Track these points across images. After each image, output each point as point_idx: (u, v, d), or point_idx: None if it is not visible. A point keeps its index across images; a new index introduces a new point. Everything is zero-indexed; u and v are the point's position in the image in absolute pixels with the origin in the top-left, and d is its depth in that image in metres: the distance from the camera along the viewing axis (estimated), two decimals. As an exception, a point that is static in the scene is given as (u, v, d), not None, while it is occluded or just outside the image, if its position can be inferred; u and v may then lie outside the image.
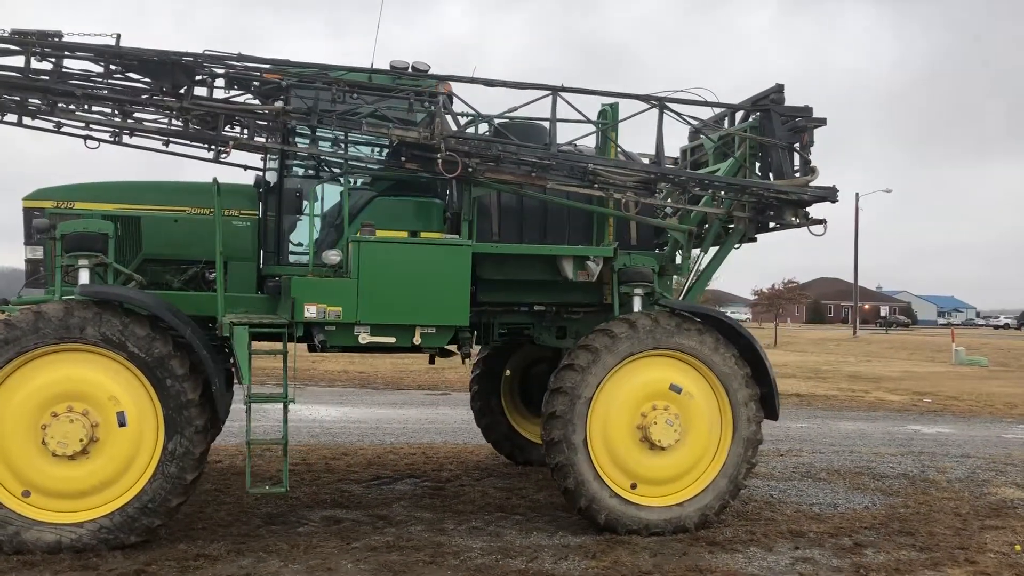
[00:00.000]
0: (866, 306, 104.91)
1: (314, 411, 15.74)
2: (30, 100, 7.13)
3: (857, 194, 62.98)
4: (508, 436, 10.82)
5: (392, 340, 7.50)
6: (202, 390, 7.04)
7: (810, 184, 8.21)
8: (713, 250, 9.04)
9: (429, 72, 8.04)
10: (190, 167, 23.46)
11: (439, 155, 7.43)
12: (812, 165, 8.39)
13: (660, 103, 8.18)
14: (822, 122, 8.40)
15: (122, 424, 6.91)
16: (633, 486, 7.84)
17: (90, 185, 8.31)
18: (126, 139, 7.84)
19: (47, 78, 6.96)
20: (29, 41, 6.96)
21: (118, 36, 7.10)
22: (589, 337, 7.79)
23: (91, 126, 7.58)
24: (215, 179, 7.54)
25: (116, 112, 7.32)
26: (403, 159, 7.65)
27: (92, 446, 6.84)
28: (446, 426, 14.39)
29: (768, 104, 8.39)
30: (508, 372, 10.89)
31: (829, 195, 8.25)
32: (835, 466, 11.51)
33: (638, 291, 8.25)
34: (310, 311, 7.27)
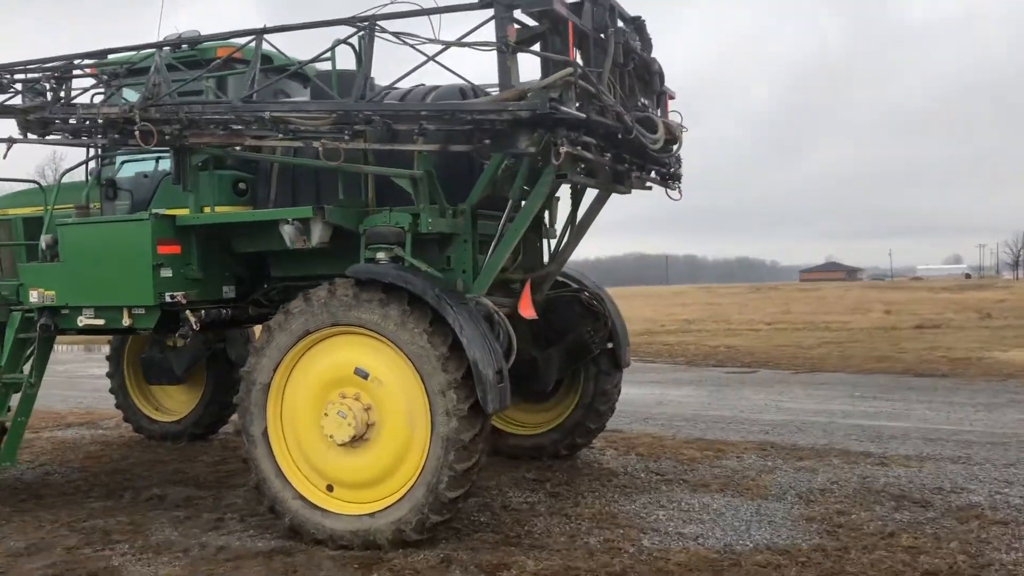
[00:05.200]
0: None
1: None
2: None
3: None
4: None
5: (102, 322, 7.41)
6: None
7: (529, 95, 5.95)
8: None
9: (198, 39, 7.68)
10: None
11: (135, 127, 7.11)
12: (570, 71, 6.05)
13: (369, 24, 6.66)
14: (546, 5, 5.99)
15: None
16: (330, 488, 6.62)
17: (12, 194, 9.63)
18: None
19: None
20: None
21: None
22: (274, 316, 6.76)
23: None
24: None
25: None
26: (115, 135, 7.43)
27: None
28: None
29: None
30: None
31: (539, 108, 5.86)
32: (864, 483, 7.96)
33: (381, 256, 6.85)
34: (33, 296, 7.56)
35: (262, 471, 6.69)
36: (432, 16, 6.48)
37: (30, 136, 7.84)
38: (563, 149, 6.03)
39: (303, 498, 6.59)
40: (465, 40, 6.34)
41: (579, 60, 6.47)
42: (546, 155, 6.30)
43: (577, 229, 8.31)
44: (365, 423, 6.39)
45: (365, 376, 6.41)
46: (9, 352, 7.79)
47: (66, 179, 8.54)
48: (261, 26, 7.01)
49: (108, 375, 11.43)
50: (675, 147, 7.57)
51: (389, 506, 6.36)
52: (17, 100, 7.95)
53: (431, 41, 6.46)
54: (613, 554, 6.10)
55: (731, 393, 14.68)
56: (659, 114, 8.15)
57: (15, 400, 7.96)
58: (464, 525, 6.85)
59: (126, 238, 7.20)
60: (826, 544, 6.20)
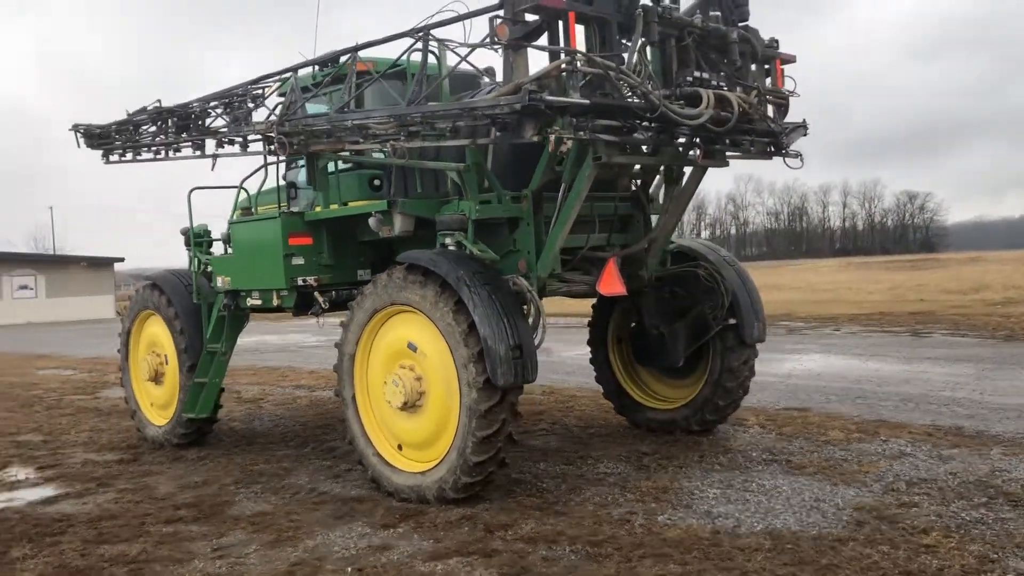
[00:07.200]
0: None
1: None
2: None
3: None
4: (616, 393, 9.91)
5: (260, 302, 8.96)
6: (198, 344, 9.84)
7: (528, 90, 6.27)
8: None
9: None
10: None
11: (274, 140, 8.55)
12: (563, 62, 6.31)
13: (423, 34, 7.38)
14: (533, 1, 6.22)
15: (166, 363, 10.26)
16: (400, 447, 7.52)
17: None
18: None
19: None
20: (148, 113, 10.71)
21: (159, 101, 10.36)
22: (359, 295, 7.78)
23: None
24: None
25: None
26: (270, 147, 8.88)
27: (161, 377, 10.37)
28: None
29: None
30: (633, 324, 9.89)
31: (521, 101, 6.14)
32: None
33: (447, 241, 7.59)
34: (219, 281, 9.34)
35: (352, 430, 7.78)
36: (464, 22, 7.09)
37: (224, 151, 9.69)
38: (553, 137, 6.31)
39: (379, 455, 7.58)
40: (485, 42, 6.86)
41: (586, 47, 6.67)
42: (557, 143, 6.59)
43: (674, 204, 8.31)
44: (417, 391, 7.19)
45: (415, 349, 7.22)
46: (212, 326, 9.70)
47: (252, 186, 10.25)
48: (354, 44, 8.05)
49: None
50: (733, 118, 7.25)
51: (434, 466, 7.12)
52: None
53: (461, 44, 7.09)
54: (614, 525, 6.30)
55: (1004, 373, 13.05)
56: (768, 83, 7.92)
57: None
58: (520, 489, 7.39)
59: (266, 233, 8.67)
60: (834, 534, 5.83)
